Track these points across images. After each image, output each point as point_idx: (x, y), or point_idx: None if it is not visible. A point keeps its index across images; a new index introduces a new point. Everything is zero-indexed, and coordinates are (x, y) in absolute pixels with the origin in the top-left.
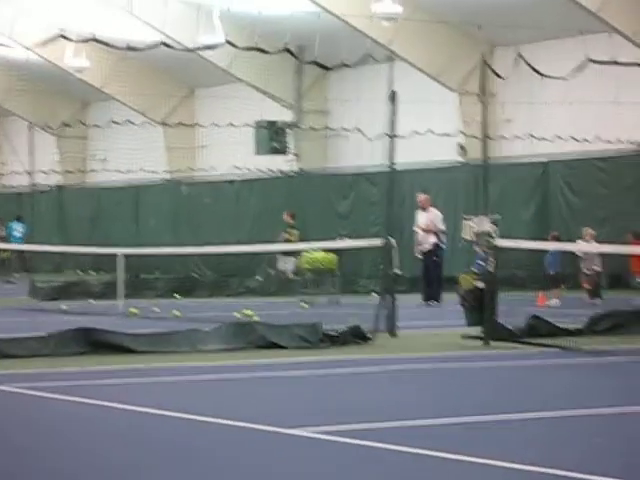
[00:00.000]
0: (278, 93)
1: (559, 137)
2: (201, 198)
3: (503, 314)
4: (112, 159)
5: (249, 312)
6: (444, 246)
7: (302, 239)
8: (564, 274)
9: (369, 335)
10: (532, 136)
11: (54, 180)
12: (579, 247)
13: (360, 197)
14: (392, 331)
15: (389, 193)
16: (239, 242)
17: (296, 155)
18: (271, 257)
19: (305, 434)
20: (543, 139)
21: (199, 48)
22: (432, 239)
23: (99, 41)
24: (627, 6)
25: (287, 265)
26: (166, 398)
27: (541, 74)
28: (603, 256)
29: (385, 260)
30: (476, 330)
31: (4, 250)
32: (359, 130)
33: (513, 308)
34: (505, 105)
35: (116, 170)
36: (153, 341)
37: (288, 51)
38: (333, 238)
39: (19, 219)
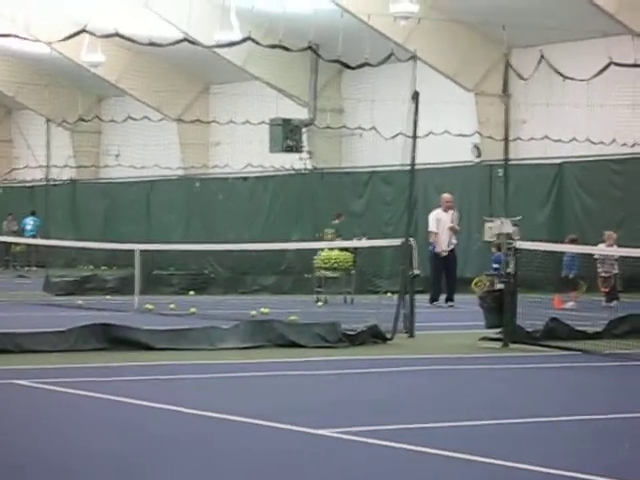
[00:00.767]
0: (293, 91)
1: (575, 139)
2: (214, 195)
3: (522, 316)
4: (125, 154)
5: (265, 310)
6: None
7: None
8: (581, 277)
9: (387, 335)
10: (548, 137)
11: (67, 175)
12: (600, 250)
13: (375, 196)
14: (410, 331)
15: (410, 193)
16: (252, 239)
17: (310, 153)
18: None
19: (327, 433)
20: (559, 140)
21: (221, 45)
22: (454, 239)
23: (122, 36)
24: None
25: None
26: (185, 395)
27: (563, 76)
28: (619, 259)
29: (405, 260)
30: (495, 332)
31: (17, 244)
32: (375, 129)
33: (530, 310)
34: (521, 106)
35: (130, 166)
36: (172, 338)
37: (311, 49)
38: (348, 237)
39: (33, 214)
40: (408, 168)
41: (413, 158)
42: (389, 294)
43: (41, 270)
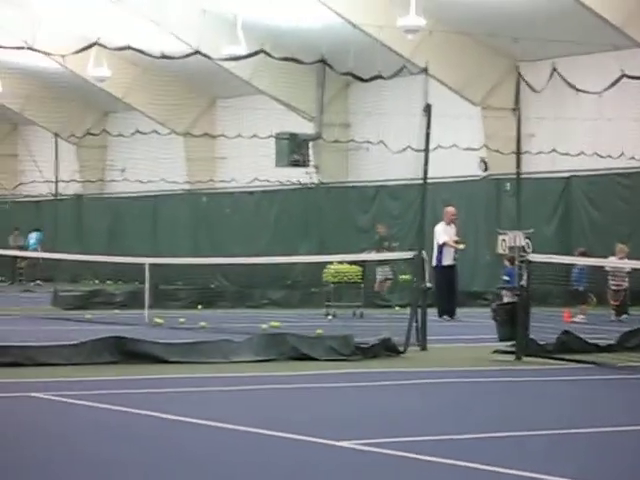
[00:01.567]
0: (299, 105)
1: (583, 153)
2: (221, 209)
3: (534, 329)
4: (131, 169)
5: (276, 324)
6: None
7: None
8: (591, 290)
9: (400, 348)
10: (556, 151)
11: (73, 189)
12: (611, 263)
13: (381, 211)
14: (423, 344)
15: (422, 206)
16: (259, 254)
17: (316, 167)
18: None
19: (347, 445)
20: (567, 154)
21: (232, 58)
22: (457, 254)
23: (134, 49)
24: None
25: (385, 274)
26: (199, 408)
27: (576, 89)
28: (629, 272)
29: (417, 273)
30: (507, 345)
31: (23, 259)
32: (383, 143)
33: (541, 323)
34: (529, 120)
35: (136, 180)
36: (185, 351)
37: (324, 62)
38: (354, 251)
39: (37, 230)
40: (415, 182)
41: (425, 171)
42: (397, 307)
43: (47, 285)
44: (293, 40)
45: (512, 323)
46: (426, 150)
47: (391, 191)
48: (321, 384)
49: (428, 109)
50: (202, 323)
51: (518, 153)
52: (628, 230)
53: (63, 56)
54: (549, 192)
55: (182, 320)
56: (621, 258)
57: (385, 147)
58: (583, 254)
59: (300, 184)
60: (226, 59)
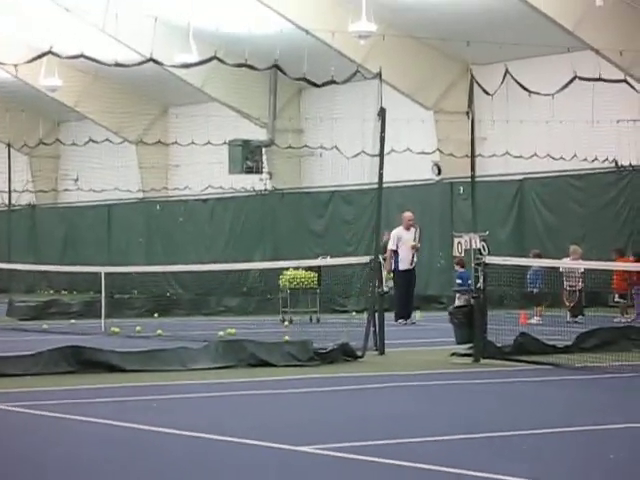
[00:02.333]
0: (252, 112)
1: (536, 155)
2: (175, 217)
3: (491, 332)
4: (84, 178)
5: (232, 331)
6: None
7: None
8: (545, 292)
9: (358, 353)
10: (509, 154)
11: (26, 200)
12: (565, 264)
13: (335, 216)
14: (381, 349)
15: (378, 210)
16: (213, 261)
17: (270, 174)
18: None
19: (308, 450)
20: (520, 157)
21: (186, 65)
22: (416, 257)
23: (88, 57)
24: (602, 25)
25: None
26: (159, 415)
27: (529, 91)
28: (582, 273)
29: (373, 278)
30: (465, 347)
31: None
32: (337, 148)
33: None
34: (480, 123)
35: (90, 189)
36: (143, 359)
37: (277, 67)
38: (309, 257)
39: None
40: (369, 187)
41: (381, 175)
42: (354, 313)
43: (1, 295)
44: (245, 47)
45: (469, 326)
46: (381, 154)
47: (345, 196)
48: (280, 390)
49: (382, 113)
50: (159, 331)
51: (472, 156)
52: (582, 232)
53: (16, 65)
54: (503, 195)
55: (139, 329)
56: (575, 259)
57: (339, 152)
58: (538, 256)
59: (254, 191)
60: (179, 66)
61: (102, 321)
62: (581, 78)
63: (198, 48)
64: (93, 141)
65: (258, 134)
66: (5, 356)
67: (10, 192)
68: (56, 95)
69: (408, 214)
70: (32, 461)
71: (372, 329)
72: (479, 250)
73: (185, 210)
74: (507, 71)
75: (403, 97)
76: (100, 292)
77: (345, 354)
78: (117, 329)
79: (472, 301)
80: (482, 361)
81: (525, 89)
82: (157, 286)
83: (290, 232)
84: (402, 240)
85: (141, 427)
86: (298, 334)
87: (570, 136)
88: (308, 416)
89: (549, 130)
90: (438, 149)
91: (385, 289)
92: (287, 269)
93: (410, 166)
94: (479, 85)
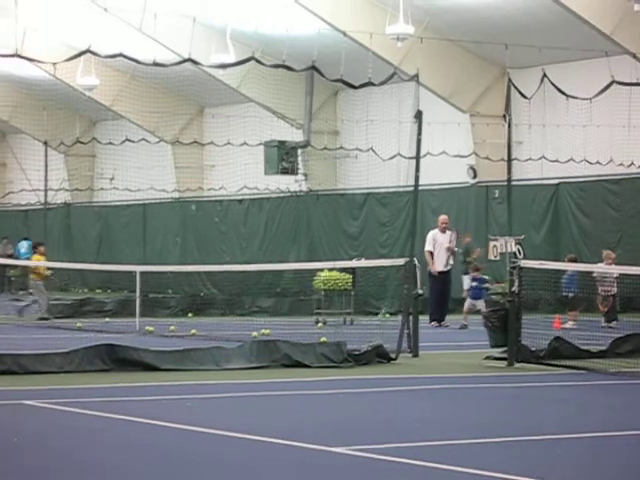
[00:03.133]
0: (288, 113)
1: (572, 159)
2: (210, 217)
3: (526, 335)
4: (120, 177)
5: (266, 332)
6: None
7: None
8: (581, 296)
9: (392, 355)
10: (545, 158)
11: (61, 198)
12: (603, 269)
13: (370, 218)
14: (415, 351)
15: (414, 213)
16: (248, 262)
17: (305, 175)
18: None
19: (343, 451)
20: (556, 161)
21: (223, 65)
22: (451, 260)
23: (126, 57)
24: None
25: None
26: (193, 415)
27: (567, 95)
28: (617, 278)
29: (409, 280)
30: (499, 351)
31: (12, 267)
32: (373, 150)
33: (532, 329)
34: (517, 127)
35: (125, 189)
36: (177, 359)
37: (315, 68)
38: (343, 258)
39: (26, 239)
40: (404, 189)
41: (417, 178)
42: (387, 315)
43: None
44: (282, 48)
45: (504, 329)
46: (417, 157)
47: (380, 198)
48: (314, 391)
49: (419, 116)
50: (193, 331)
51: (509, 160)
52: (617, 237)
53: (54, 64)
54: (538, 199)
55: (172, 328)
56: (609, 264)
57: (374, 154)
58: (573, 260)
59: (289, 192)
60: (216, 66)
61: (136, 320)
62: (618, 83)
63: (235, 49)
64: (129, 140)
65: (294, 135)
66: (40, 353)
67: (46, 190)
68: (93, 94)
69: (443, 217)
70: (66, 458)
71: (406, 331)
72: (514, 254)
73: (220, 210)
74: (545, 75)
75: (439, 100)
76: (134, 291)
77: (379, 356)
78: (151, 328)
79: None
80: (516, 365)
81: (563, 93)
82: (191, 286)
83: (325, 233)
84: (437, 242)
85: (174, 426)
86: (332, 335)
87: (606, 141)
88: (341, 417)
89: (586, 135)
90: (474, 152)
91: (420, 291)
92: (322, 270)
93: (446, 169)
94: (516, 89)
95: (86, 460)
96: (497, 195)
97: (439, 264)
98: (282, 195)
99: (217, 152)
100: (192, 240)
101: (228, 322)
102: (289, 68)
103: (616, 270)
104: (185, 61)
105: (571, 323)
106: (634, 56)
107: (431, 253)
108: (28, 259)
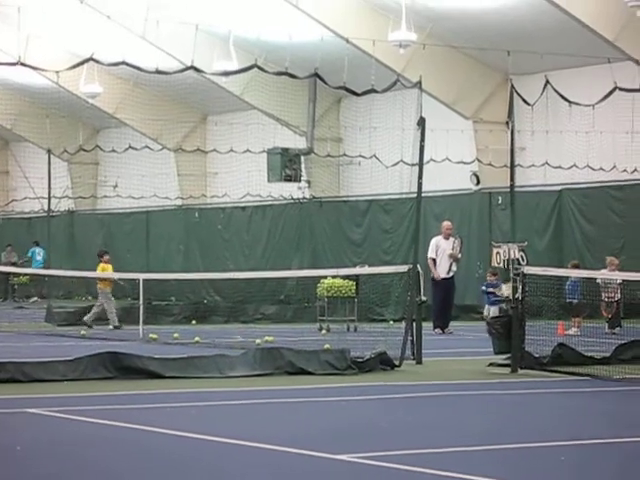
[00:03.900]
0: (291, 120)
1: (575, 165)
2: (213, 224)
3: (529, 342)
4: (123, 185)
5: (270, 339)
6: None
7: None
8: (584, 303)
9: (395, 362)
10: (548, 164)
11: (65, 206)
12: (606, 275)
13: (373, 225)
14: (418, 358)
15: (417, 219)
16: (251, 269)
17: (309, 182)
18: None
19: (347, 458)
20: (559, 167)
21: (226, 73)
22: (454, 267)
23: (129, 65)
24: None
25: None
26: (198, 422)
27: (569, 101)
28: (620, 284)
29: (412, 287)
30: (503, 358)
31: (16, 275)
32: (376, 157)
33: (535, 336)
34: (520, 133)
35: (128, 196)
36: (181, 366)
37: (317, 75)
38: (347, 265)
39: (37, 244)
40: (407, 196)
41: (420, 184)
42: (391, 322)
43: (40, 302)
44: (285, 55)
45: (507, 336)
46: (420, 163)
47: (383, 205)
48: (318, 398)
49: (422, 122)
50: (196, 338)
51: (512, 166)
52: (620, 243)
53: (57, 72)
54: (541, 205)
55: (176, 335)
56: (612, 270)
57: (377, 161)
58: (576, 267)
59: (292, 199)
60: (219, 74)
61: (140, 327)
62: (621, 89)
63: (238, 56)
64: (132, 148)
65: (297, 142)
66: (43, 361)
67: (50, 198)
68: (96, 102)
69: (447, 223)
70: (70, 466)
71: (410, 338)
72: (517, 260)
73: (223, 218)
74: (547, 81)
75: (442, 106)
76: (138, 298)
77: (382, 363)
78: (155, 335)
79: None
80: (520, 371)
81: (565, 99)
82: (195, 293)
83: (328, 240)
84: (440, 248)
85: (179, 434)
86: (336, 342)
87: (610, 147)
88: (345, 425)
89: (589, 141)
90: (477, 159)
91: (423, 298)
92: (325, 277)
93: (449, 176)
94: (519, 95)
95: (90, 468)
96: (500, 201)
97: (442, 271)
98: (285, 202)
99: (220, 159)
100: (195, 247)
101: (231, 330)
102: (292, 75)
103: (620, 276)
104: (188, 69)
105: (575, 329)
106: (637, 62)
107: (434, 260)
108: (43, 267)
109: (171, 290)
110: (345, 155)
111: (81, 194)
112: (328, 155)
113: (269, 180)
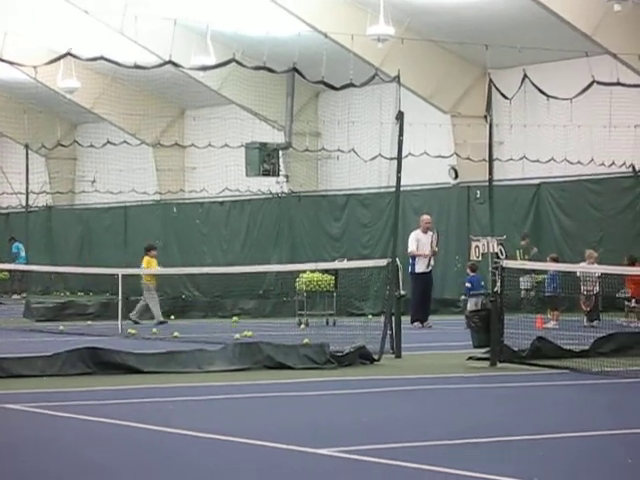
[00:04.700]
0: (269, 115)
1: (553, 159)
2: (191, 219)
3: (508, 336)
4: (101, 180)
5: (249, 333)
6: None
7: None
8: (562, 296)
9: (375, 356)
10: (526, 158)
11: (43, 201)
12: (582, 268)
13: (352, 219)
14: (397, 352)
15: (395, 213)
16: (230, 263)
17: (287, 177)
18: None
19: (327, 453)
20: (537, 161)
21: (204, 67)
22: (432, 261)
23: (107, 60)
24: (620, 29)
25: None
26: (176, 417)
27: (547, 95)
28: (599, 278)
29: (391, 281)
30: (482, 351)
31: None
32: (354, 151)
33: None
34: (497, 127)
35: (107, 191)
36: (160, 361)
37: (296, 70)
38: (326, 259)
39: (14, 239)
40: (385, 190)
41: (398, 179)
42: (370, 316)
43: (17, 297)
44: (263, 50)
45: (486, 330)
46: (399, 157)
47: (361, 199)
48: (297, 392)
49: (401, 117)
50: (175, 333)
51: (490, 160)
52: (598, 236)
53: (35, 67)
54: (519, 199)
55: (155, 330)
56: (591, 263)
57: (356, 155)
58: (554, 260)
59: (271, 193)
60: (197, 68)
61: (119, 322)
62: (599, 83)
63: (216, 51)
64: (110, 143)
65: (275, 137)
66: (22, 357)
67: (27, 193)
68: (74, 97)
69: (426, 217)
70: (49, 461)
71: (389, 332)
72: (496, 254)
73: (202, 212)
74: (525, 75)
75: (420, 101)
76: (117, 294)
77: (362, 357)
78: (133, 330)
79: (487, 305)
80: (499, 365)
81: (543, 93)
82: (173, 288)
83: (307, 235)
84: (420, 242)
85: (157, 429)
86: (315, 337)
87: (587, 141)
88: (324, 419)
89: (566, 135)
90: (455, 153)
91: (402, 292)
92: (304, 272)
93: (427, 170)
94: (497, 89)
95: (70, 462)
96: (479, 195)
97: (421, 265)
98: (263, 197)
99: (198, 154)
100: (174, 242)
101: (210, 324)
102: (270, 70)
103: (598, 269)
104: (166, 63)
105: (553, 323)
106: (614, 56)
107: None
108: (25, 263)
109: None
110: (323, 149)
111: (59, 189)
112: (306, 149)
113: (247, 175)
